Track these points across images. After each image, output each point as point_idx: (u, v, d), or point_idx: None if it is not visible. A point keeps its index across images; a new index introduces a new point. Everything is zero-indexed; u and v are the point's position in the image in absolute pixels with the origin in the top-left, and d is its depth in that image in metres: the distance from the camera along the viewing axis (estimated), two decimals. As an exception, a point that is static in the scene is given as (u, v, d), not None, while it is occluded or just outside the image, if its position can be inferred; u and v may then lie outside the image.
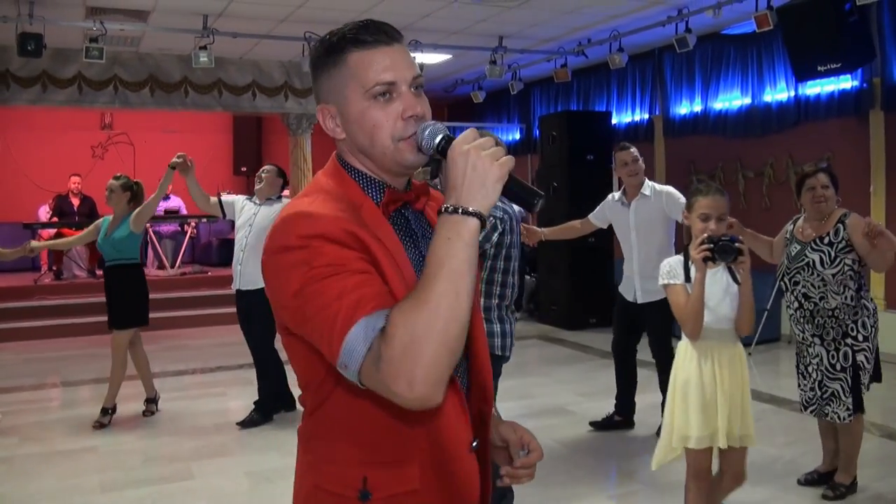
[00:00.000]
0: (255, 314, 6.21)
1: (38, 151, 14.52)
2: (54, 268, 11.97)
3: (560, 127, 10.91)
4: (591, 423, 6.09)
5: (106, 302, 6.44)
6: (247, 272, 6.16)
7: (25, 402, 7.27)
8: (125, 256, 6.35)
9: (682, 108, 10.96)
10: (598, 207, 6.15)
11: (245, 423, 6.30)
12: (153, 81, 11.57)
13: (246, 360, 8.24)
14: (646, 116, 11.64)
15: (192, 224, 12.84)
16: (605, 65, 10.98)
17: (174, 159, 6.21)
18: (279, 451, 5.67)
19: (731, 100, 10.17)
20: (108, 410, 6.40)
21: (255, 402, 6.47)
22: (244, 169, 15.42)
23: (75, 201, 12.42)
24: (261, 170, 6.52)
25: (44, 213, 12.81)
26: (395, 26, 1.65)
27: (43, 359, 9.17)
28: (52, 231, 11.93)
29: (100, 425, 6.30)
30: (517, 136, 14.66)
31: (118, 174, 6.57)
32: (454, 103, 15.68)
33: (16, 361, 9.09)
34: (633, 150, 5.77)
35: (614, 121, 11.86)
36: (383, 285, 1.38)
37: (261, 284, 6.21)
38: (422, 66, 10.68)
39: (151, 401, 6.68)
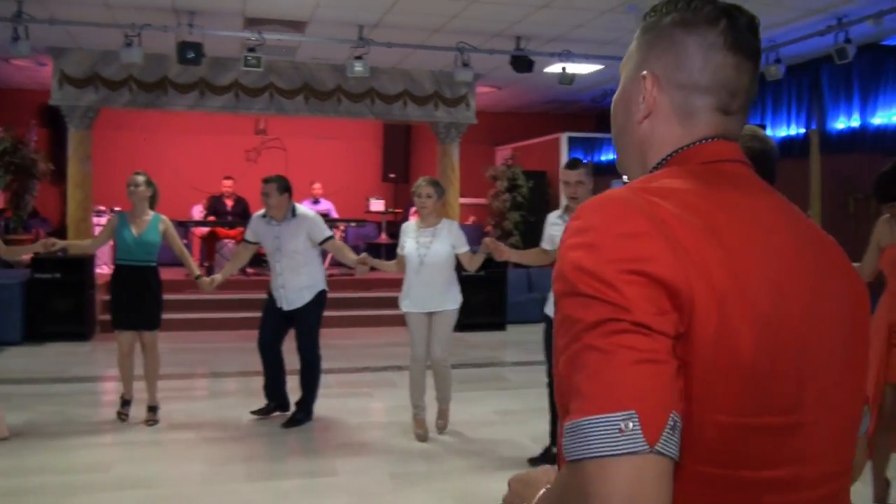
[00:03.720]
0: (302, 322, 6.47)
1: (193, 154, 15.35)
2: (206, 264, 12.53)
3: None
4: None
5: (136, 302, 6.46)
6: (290, 296, 6.42)
7: (175, 390, 7.71)
8: (153, 259, 6.51)
9: (840, 123, 10.54)
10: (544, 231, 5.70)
11: (289, 423, 6.48)
12: (307, 89, 12.04)
13: (391, 363, 8.44)
14: (801, 131, 11.24)
15: (341, 228, 13.21)
16: (760, 76, 10.66)
17: (202, 280, 6.60)
18: (422, 456, 5.79)
19: (890, 115, 9.73)
20: (158, 407, 6.63)
21: (297, 403, 6.64)
22: (392, 176, 15.78)
23: (229, 202, 12.97)
24: (264, 192, 6.35)
25: (197, 212, 13.46)
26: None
27: (192, 349, 9.66)
28: (206, 230, 12.54)
29: (154, 422, 6.49)
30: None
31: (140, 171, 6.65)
32: (602, 114, 15.59)
33: (166, 351, 9.47)
34: (580, 171, 5.30)
35: (769, 134, 11.45)
36: None
37: (307, 300, 6.40)
38: (573, 76, 10.69)
39: (153, 408, 6.64)
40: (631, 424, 0.93)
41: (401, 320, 6.43)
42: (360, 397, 7.49)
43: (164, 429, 6.42)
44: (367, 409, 7.01)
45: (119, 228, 6.38)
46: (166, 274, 11.94)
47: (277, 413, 6.71)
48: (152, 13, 9.32)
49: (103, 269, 11.23)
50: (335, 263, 13.13)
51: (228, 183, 13.03)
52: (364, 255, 6.38)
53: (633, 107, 1.28)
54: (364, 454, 5.83)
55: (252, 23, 9.76)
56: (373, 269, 6.43)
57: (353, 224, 13.19)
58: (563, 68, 10.59)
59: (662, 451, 0.93)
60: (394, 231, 12.47)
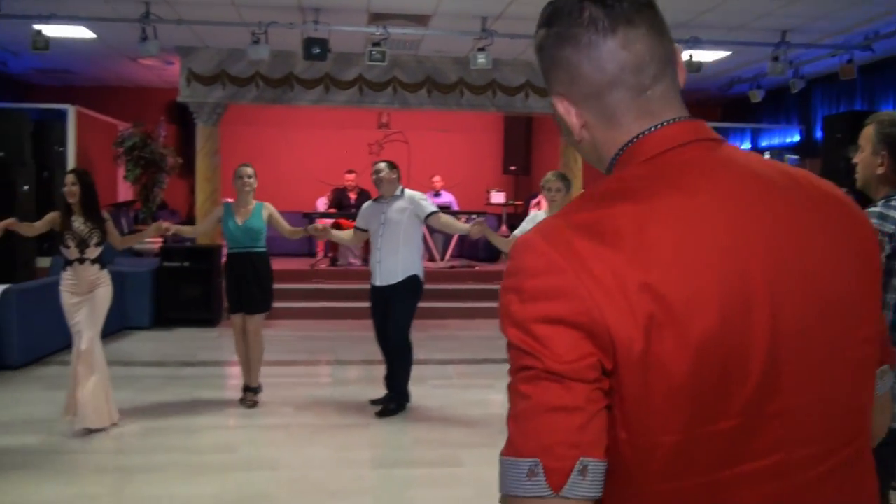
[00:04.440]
0: (393, 305, 6.43)
1: (317, 147, 15.62)
2: (330, 254, 12.74)
3: (846, 129, 10.18)
4: None
5: (242, 286, 6.59)
6: (384, 272, 6.43)
7: (300, 376, 7.86)
8: (260, 245, 6.61)
9: None
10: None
11: (383, 413, 6.43)
12: (430, 83, 12.04)
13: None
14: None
15: (463, 220, 13.16)
16: (893, 60, 10.12)
17: (315, 228, 6.72)
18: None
19: None
20: (258, 389, 6.75)
21: (389, 392, 6.59)
22: (513, 168, 15.65)
23: (352, 195, 13.11)
24: (375, 169, 6.60)
25: (321, 204, 13.65)
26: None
27: (316, 337, 9.78)
28: (330, 221, 12.69)
29: (253, 404, 6.62)
30: (796, 137, 13.84)
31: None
32: (728, 103, 15.10)
33: (292, 338, 9.77)
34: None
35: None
36: None
37: (399, 279, 6.39)
38: (699, 64, 10.35)
39: (253, 390, 6.78)
40: (538, 470, 1.00)
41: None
42: (481, 389, 7.40)
43: (289, 413, 6.50)
44: (489, 401, 6.91)
45: (224, 218, 6.59)
46: (293, 264, 12.37)
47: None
48: (278, 11, 9.46)
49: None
50: (456, 255, 13.17)
51: (351, 177, 13.17)
52: (479, 218, 6.61)
53: (568, 124, 1.23)
54: (489, 446, 5.70)
55: (376, 18, 9.81)
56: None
57: (473, 216, 13.02)
58: (690, 56, 10.26)
59: (568, 495, 0.99)
60: (514, 223, 12.35)
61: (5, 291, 7.67)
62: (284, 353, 8.70)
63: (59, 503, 4.60)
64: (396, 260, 6.42)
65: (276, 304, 10.92)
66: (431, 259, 12.74)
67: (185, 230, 7.36)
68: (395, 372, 6.56)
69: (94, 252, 5.89)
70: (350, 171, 13.22)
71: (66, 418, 5.88)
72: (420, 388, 7.01)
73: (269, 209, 6.61)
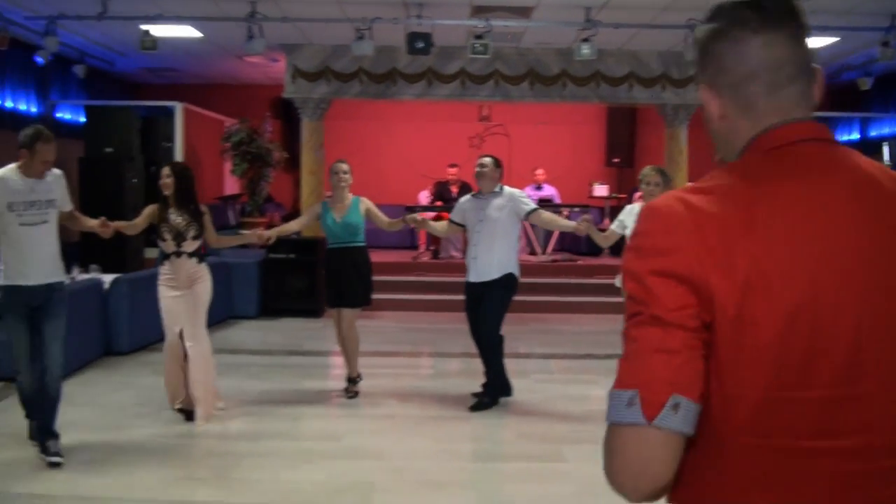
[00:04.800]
0: (487, 300, 6.35)
1: (419, 141, 15.70)
2: (432, 247, 12.80)
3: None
4: None
5: (340, 281, 6.60)
6: (480, 268, 6.35)
7: (402, 367, 7.96)
8: (359, 239, 6.60)
9: None
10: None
11: (476, 407, 6.37)
12: (532, 75, 11.99)
13: (615, 351, 8.25)
14: None
15: (565, 213, 13.04)
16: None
17: (414, 218, 6.66)
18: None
19: None
20: (357, 380, 6.78)
21: (483, 386, 6.52)
22: (616, 160, 15.42)
23: (454, 189, 13.11)
24: (479, 163, 6.51)
25: (424, 198, 13.72)
26: None
27: (418, 329, 9.84)
28: (433, 215, 12.73)
29: (354, 394, 6.66)
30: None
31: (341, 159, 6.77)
32: (836, 91, 14.54)
33: (395, 329, 9.86)
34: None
35: None
36: None
37: (494, 276, 6.30)
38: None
39: (352, 380, 6.80)
40: (636, 401, 1.17)
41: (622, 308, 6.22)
42: (583, 384, 7.27)
43: (393, 403, 6.56)
44: (590, 397, 6.78)
45: (322, 215, 6.63)
46: (396, 256, 12.49)
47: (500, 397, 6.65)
48: (382, 6, 9.54)
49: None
50: (558, 249, 13.05)
51: (453, 170, 13.19)
52: (586, 215, 6.63)
53: (709, 112, 1.39)
54: (592, 442, 5.59)
55: (479, 10, 9.80)
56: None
57: (576, 209, 12.88)
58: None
59: (659, 425, 1.15)
60: (617, 216, 12.19)
61: (115, 280, 7.96)
62: (387, 345, 8.79)
63: (168, 485, 4.74)
64: (492, 257, 6.36)
65: (379, 296, 11.02)
66: (532, 253, 12.67)
67: (285, 229, 7.35)
68: (488, 367, 6.51)
69: (191, 245, 5.84)
70: (452, 165, 13.25)
71: (173, 405, 5.99)
72: (522, 382, 6.97)
73: (365, 203, 6.63)
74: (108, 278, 7.97)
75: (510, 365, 6.66)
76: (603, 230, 6.41)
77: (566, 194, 13.95)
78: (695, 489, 1.24)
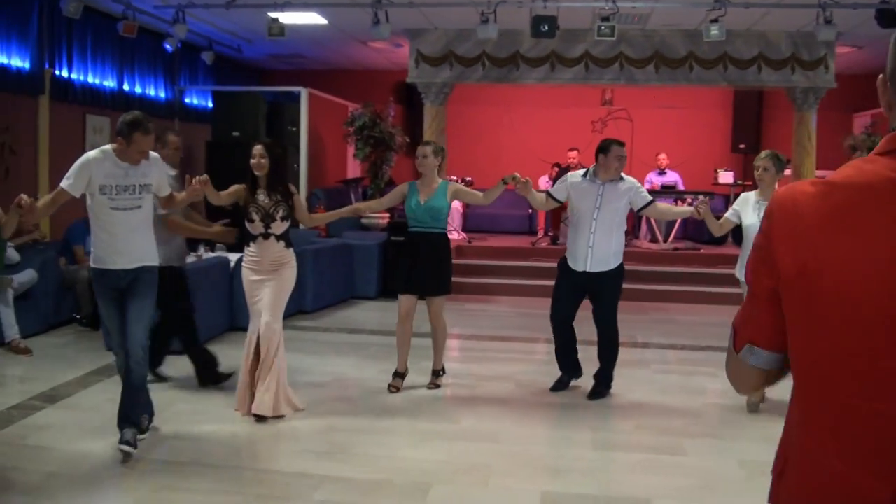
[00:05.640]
0: (605, 293, 6.27)
1: (540, 125, 15.57)
2: (550, 233, 12.74)
3: None
4: None
5: (416, 267, 6.35)
6: (598, 258, 6.17)
7: (518, 352, 7.94)
8: (440, 225, 6.38)
9: None
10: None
11: (593, 395, 6.30)
12: (658, 58, 11.72)
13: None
14: None
15: (688, 200, 12.77)
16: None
17: (515, 177, 6.23)
18: (775, 442, 5.38)
19: None
20: (442, 372, 6.64)
21: (595, 376, 6.40)
22: (742, 146, 14.96)
23: (576, 173, 13.01)
24: (620, 154, 6.26)
25: (544, 182, 13.60)
26: None
27: (534, 315, 9.70)
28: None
29: (436, 387, 6.50)
30: None
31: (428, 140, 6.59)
32: None
33: (511, 314, 9.87)
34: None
35: None
36: None
37: (611, 266, 6.13)
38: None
39: (436, 373, 6.63)
40: (732, 335, 1.57)
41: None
42: (703, 377, 7.05)
43: (509, 388, 6.59)
44: (710, 390, 6.62)
45: (409, 196, 6.38)
46: (514, 241, 12.48)
47: (574, 382, 6.59)
48: (507, -10, 9.49)
49: (453, 235, 11.70)
50: (680, 237, 12.79)
51: (573, 154, 13.04)
52: (703, 198, 6.53)
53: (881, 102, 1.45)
54: (713, 437, 5.52)
55: (606, -9, 9.63)
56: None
57: (700, 196, 12.63)
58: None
59: (742, 358, 1.54)
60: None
61: (240, 259, 8.15)
62: (504, 329, 8.81)
63: (289, 458, 4.89)
64: (610, 246, 6.20)
65: (497, 281, 11.15)
66: (654, 240, 12.44)
67: (372, 206, 7.25)
68: (602, 358, 6.41)
69: (279, 227, 5.63)
70: (573, 149, 13.10)
71: (239, 412, 5.62)
72: (640, 372, 6.88)
73: (454, 187, 6.45)
74: (233, 257, 8.19)
75: (627, 355, 6.57)
76: (719, 218, 6.23)
77: (690, 181, 13.64)
78: (792, 415, 1.50)
